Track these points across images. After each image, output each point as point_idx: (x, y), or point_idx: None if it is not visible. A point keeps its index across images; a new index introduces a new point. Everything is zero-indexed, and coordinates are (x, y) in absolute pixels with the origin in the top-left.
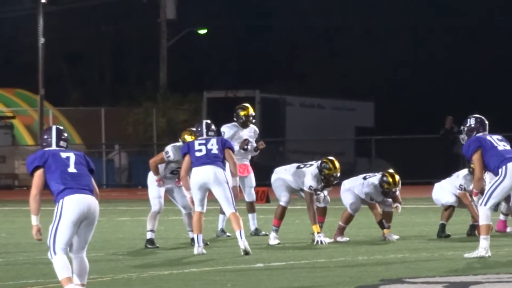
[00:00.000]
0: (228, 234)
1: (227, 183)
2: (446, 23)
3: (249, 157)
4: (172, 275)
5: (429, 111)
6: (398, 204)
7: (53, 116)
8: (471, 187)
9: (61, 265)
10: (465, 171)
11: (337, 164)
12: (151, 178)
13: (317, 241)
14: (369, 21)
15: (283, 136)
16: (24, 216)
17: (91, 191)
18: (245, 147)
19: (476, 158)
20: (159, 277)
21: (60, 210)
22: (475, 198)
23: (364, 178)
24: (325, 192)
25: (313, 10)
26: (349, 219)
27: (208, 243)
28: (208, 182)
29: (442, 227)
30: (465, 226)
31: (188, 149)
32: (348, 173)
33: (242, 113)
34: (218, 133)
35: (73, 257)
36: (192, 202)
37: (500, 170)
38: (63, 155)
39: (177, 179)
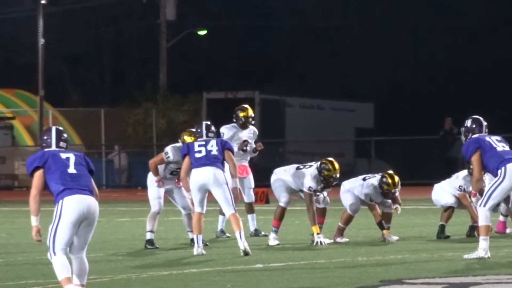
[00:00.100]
0: (227, 234)
1: (227, 184)
2: (446, 23)
3: (248, 158)
4: (171, 276)
5: (429, 112)
6: (397, 205)
7: (53, 117)
8: (470, 188)
9: (60, 265)
10: (464, 172)
11: (336, 165)
12: (151, 178)
13: (317, 242)
14: (369, 21)
15: (282, 137)
16: (24, 216)
17: (90, 192)
18: (244, 148)
19: (475, 159)
20: (159, 277)
21: (60, 210)
22: (473, 199)
23: (364, 179)
24: (325, 193)
25: (313, 10)
26: (348, 220)
27: (207, 243)
28: (207, 183)
29: (442, 228)
30: (465, 227)
31: (187, 150)
32: (347, 174)
33: (241, 114)
34: (217, 134)
35: (72, 257)
36: (192, 203)
37: (499, 171)
38: (63, 155)
39: (176, 180)
